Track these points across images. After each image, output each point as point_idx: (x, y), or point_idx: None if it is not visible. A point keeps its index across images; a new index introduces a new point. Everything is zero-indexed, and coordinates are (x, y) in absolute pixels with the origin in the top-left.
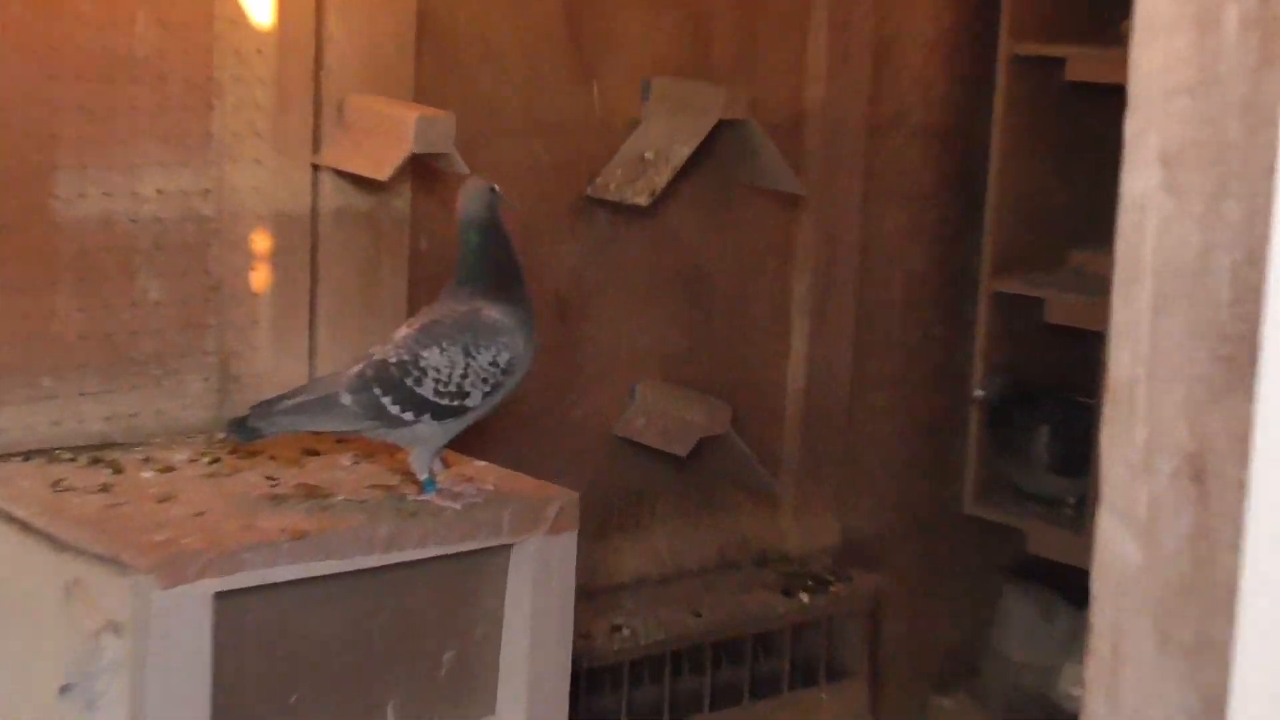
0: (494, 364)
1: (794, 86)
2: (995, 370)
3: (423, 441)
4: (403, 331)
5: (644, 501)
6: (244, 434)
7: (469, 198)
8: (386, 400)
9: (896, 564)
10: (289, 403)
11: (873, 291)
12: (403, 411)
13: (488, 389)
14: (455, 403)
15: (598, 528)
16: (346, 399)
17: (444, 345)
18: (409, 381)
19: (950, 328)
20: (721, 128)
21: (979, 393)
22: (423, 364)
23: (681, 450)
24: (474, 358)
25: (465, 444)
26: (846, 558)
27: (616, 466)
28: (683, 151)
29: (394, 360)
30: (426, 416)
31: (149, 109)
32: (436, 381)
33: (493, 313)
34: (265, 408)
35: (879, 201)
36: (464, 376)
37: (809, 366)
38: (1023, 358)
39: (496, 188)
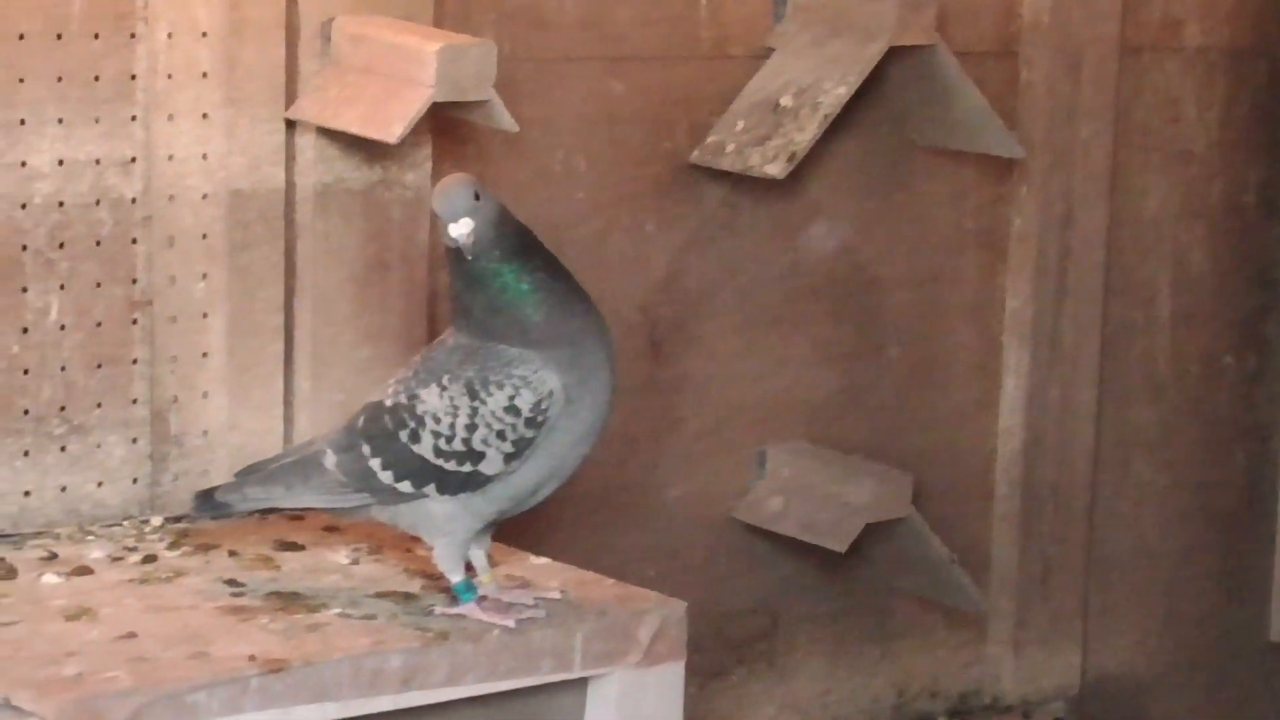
0: (511, 409)
1: None
2: None
3: (441, 527)
4: (412, 362)
5: (780, 622)
6: (210, 509)
7: (455, 208)
8: (375, 463)
9: (1167, 717)
10: (266, 469)
11: (1128, 304)
12: (397, 480)
13: (509, 448)
14: (465, 468)
15: (710, 660)
16: (330, 460)
17: (445, 382)
18: (404, 435)
19: (1249, 355)
20: (895, 58)
21: None
22: (420, 410)
23: (838, 545)
24: (482, 401)
25: (520, 532)
26: (1091, 709)
27: (737, 570)
28: (837, 95)
29: (389, 403)
30: (431, 488)
31: (39, 39)
32: (436, 436)
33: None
34: (245, 475)
35: (1137, 167)
36: (470, 428)
37: (1030, 418)
38: None
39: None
